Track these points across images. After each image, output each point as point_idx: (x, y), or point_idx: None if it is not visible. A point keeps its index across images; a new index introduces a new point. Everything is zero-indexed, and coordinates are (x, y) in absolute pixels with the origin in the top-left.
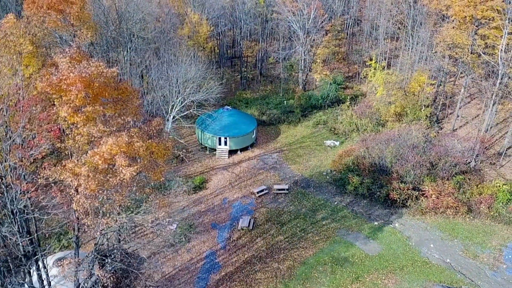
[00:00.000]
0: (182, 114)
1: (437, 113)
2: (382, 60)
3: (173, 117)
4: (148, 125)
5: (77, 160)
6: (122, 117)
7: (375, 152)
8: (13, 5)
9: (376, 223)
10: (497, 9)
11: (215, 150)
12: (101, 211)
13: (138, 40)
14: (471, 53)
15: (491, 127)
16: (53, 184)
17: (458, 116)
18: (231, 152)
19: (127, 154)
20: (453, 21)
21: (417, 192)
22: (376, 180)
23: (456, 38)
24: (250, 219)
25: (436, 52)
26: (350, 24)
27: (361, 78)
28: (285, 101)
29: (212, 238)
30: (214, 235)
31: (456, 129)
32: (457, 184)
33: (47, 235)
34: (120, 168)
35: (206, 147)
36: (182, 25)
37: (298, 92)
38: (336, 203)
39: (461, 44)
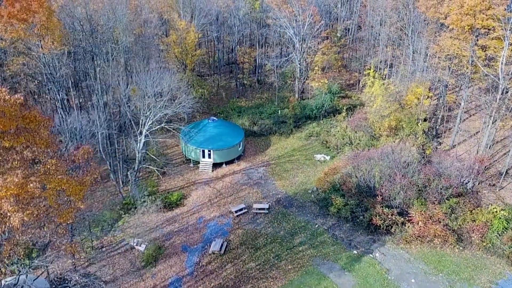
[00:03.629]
0: (154, 129)
1: (437, 127)
2: (384, 68)
3: (145, 132)
4: (74, 154)
5: None
6: (25, 151)
7: (363, 171)
8: None
9: (355, 251)
10: (498, 18)
11: (199, 163)
12: None
13: (116, 50)
14: (471, 65)
15: (491, 146)
16: None
17: (457, 131)
18: (216, 165)
19: (20, 196)
20: (451, 30)
21: (402, 218)
22: (361, 202)
23: (454, 48)
24: (222, 243)
25: (434, 63)
26: (353, 29)
27: (361, 86)
28: (279, 111)
29: (180, 262)
30: (183, 259)
31: (455, 145)
32: (449, 208)
33: None
34: (8, 214)
35: (190, 159)
36: (170, 30)
37: (292, 101)
38: (317, 226)
39: (460, 55)
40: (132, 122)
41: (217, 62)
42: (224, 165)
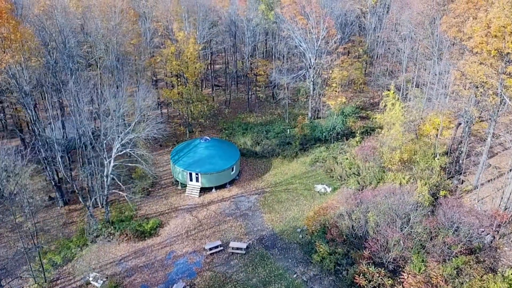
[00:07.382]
0: (120, 153)
1: (460, 161)
2: (411, 88)
3: (114, 155)
4: None
5: None
6: None
7: (357, 214)
8: None
9: None
10: None
11: (186, 186)
12: None
13: (96, 63)
14: (499, 96)
15: None
16: None
17: (482, 169)
18: (204, 190)
19: None
20: (475, 54)
21: (391, 280)
22: (349, 252)
23: (479, 75)
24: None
25: (456, 89)
26: (379, 43)
27: (381, 108)
28: (288, 130)
29: None
30: None
31: (478, 185)
32: (455, 269)
33: None
34: None
35: (178, 181)
36: (167, 41)
37: (300, 121)
38: (295, 275)
39: (485, 83)
40: (96, 146)
41: (229, 74)
42: (213, 189)
